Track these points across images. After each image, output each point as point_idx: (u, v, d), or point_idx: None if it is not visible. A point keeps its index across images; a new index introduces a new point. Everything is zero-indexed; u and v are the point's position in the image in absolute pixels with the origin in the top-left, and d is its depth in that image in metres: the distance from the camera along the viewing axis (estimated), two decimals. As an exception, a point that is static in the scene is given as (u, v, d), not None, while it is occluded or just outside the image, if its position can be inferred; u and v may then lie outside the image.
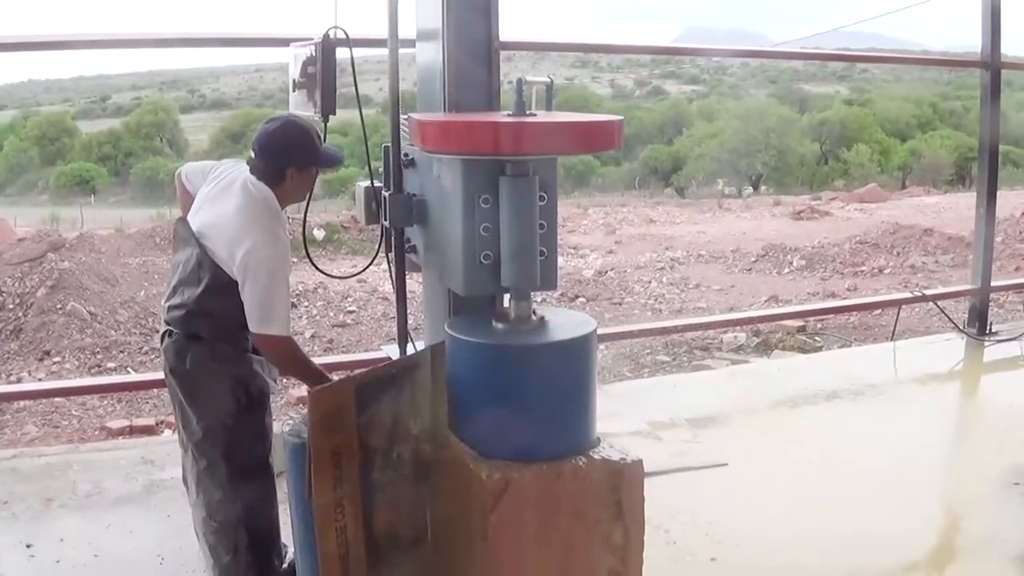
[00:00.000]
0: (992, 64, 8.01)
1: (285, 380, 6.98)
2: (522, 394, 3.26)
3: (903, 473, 5.51)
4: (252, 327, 3.73)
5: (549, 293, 4.58)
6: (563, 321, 3.44)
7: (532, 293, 3.44)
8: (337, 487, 3.20)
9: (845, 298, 15.37)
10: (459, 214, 3.38)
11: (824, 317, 13.00)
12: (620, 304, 16.45)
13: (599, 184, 47.43)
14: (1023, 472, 5.45)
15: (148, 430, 9.17)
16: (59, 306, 14.36)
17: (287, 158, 3.84)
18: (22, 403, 10.19)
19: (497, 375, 3.29)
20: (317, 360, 4.55)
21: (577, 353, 3.31)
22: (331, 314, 15.62)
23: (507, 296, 3.47)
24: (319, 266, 4.95)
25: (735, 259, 20.18)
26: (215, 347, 3.83)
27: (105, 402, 10.56)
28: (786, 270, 18.89)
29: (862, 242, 20.03)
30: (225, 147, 55.07)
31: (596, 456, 3.29)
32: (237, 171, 3.96)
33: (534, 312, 3.41)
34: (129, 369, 12.34)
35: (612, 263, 20.35)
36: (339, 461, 3.19)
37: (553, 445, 3.26)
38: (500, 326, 3.38)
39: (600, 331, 3.48)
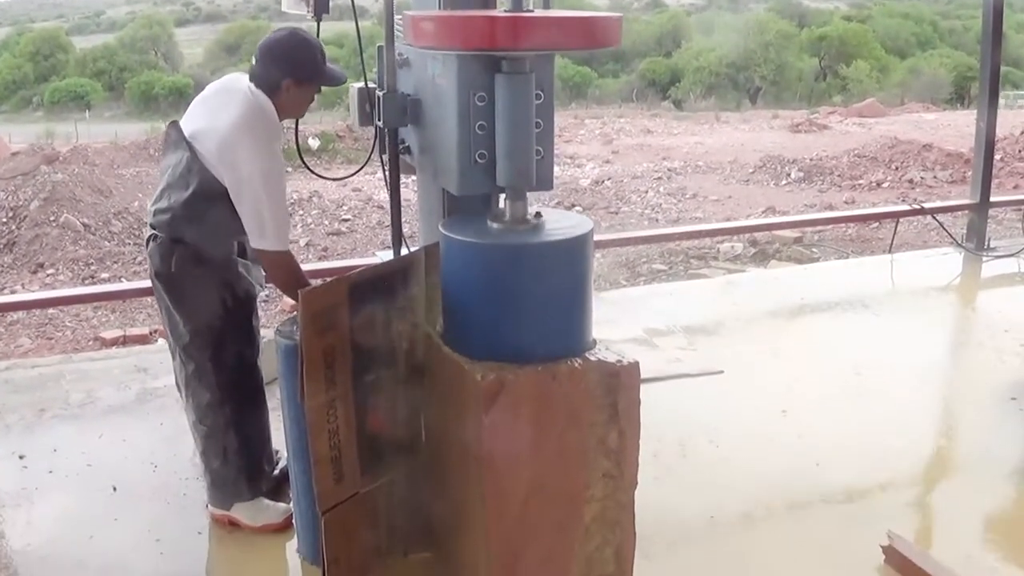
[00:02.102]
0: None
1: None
2: (517, 294, 3.20)
3: (899, 386, 5.52)
4: (252, 242, 3.75)
5: (544, 202, 4.53)
6: (559, 222, 3.38)
7: (527, 195, 3.38)
8: (329, 388, 3.16)
9: (843, 210, 15.30)
10: (454, 112, 3.32)
11: (821, 228, 12.96)
12: (616, 213, 16.42)
13: (596, 96, 47.08)
14: (1020, 387, 5.45)
15: (142, 339, 9.18)
16: (52, 218, 14.34)
17: (285, 68, 3.78)
18: (16, 315, 10.21)
19: (492, 275, 3.23)
20: (312, 267, 4.52)
21: (573, 253, 3.25)
22: (326, 222, 15.62)
23: (502, 197, 3.41)
24: (316, 174, 4.92)
25: (732, 170, 20.10)
26: (200, 250, 3.80)
27: (99, 312, 10.56)
28: (784, 182, 18.80)
29: (860, 156, 19.89)
30: (220, 60, 54.67)
31: (592, 358, 3.25)
32: (238, 79, 3.92)
33: (530, 213, 3.35)
34: (123, 279, 12.33)
35: (609, 173, 20.26)
36: (331, 362, 3.15)
37: (548, 346, 3.21)
38: (495, 226, 3.32)
39: (597, 238, 3.44)
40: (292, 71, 3.77)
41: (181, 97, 45.82)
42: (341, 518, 3.37)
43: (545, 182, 3.42)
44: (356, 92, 4.03)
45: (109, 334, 9.58)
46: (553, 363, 3.18)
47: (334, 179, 5.59)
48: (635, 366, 3.27)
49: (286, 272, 3.86)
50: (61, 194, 15.02)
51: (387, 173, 3.95)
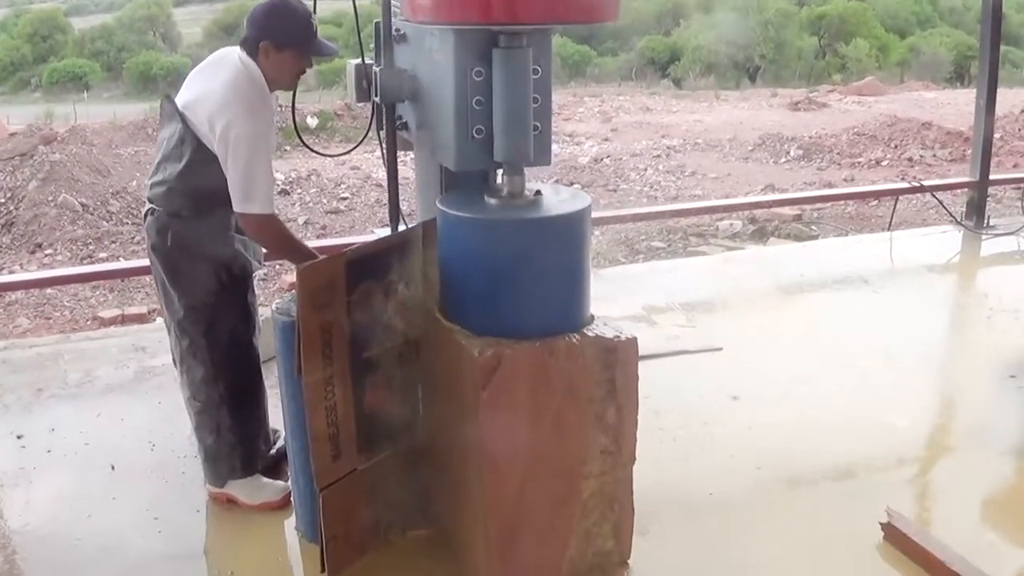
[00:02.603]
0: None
1: (279, 264, 6.90)
2: (515, 270, 3.20)
3: (899, 363, 5.50)
4: (235, 206, 3.69)
5: (542, 180, 4.52)
6: (557, 197, 3.38)
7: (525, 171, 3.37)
8: (327, 365, 3.16)
9: (842, 188, 15.27)
10: (451, 87, 3.31)
11: (820, 206, 12.94)
12: (615, 191, 16.39)
13: (595, 74, 46.90)
14: (1019, 365, 5.44)
15: (140, 318, 9.17)
16: (50, 198, 14.30)
17: (263, 29, 3.75)
18: (14, 295, 10.19)
19: (489, 250, 3.23)
20: (310, 244, 4.49)
21: (571, 229, 3.25)
22: (324, 201, 15.62)
23: (500, 172, 3.40)
24: (313, 151, 4.91)
25: (732, 148, 20.06)
26: (197, 224, 3.78)
27: (97, 292, 10.55)
28: (783, 160, 18.77)
29: (860, 134, 19.86)
30: (218, 39, 54.31)
31: (590, 334, 3.25)
32: (229, 51, 3.91)
33: (528, 188, 3.34)
34: (121, 259, 12.30)
35: (608, 151, 20.21)
36: (329, 338, 3.15)
37: (546, 322, 3.22)
38: (493, 201, 3.32)
39: (595, 215, 3.42)
40: (270, 33, 3.73)
41: (179, 77, 45.53)
42: (339, 495, 3.37)
43: (543, 157, 3.40)
44: (353, 68, 4.01)
45: (107, 313, 9.58)
46: (551, 339, 3.18)
47: (332, 155, 5.58)
48: (633, 342, 3.27)
49: (274, 235, 3.84)
50: (59, 174, 14.98)
51: (384, 148, 3.93)
